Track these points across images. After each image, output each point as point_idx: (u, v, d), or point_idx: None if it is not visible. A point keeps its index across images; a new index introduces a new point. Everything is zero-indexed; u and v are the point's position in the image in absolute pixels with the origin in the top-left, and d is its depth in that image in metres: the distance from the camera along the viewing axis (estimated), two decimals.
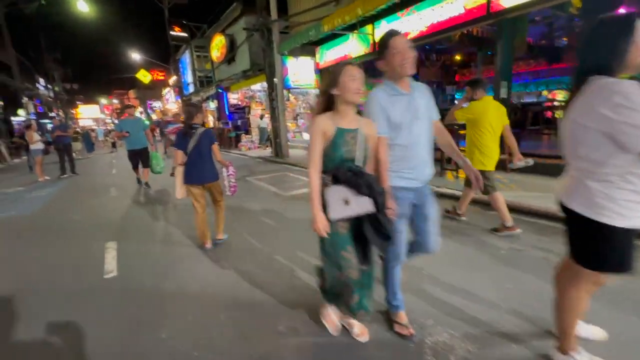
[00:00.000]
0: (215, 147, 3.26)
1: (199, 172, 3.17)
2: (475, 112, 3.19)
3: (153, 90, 43.28)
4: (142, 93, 48.77)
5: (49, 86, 39.66)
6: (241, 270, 2.87)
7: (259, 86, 14.86)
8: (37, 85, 32.77)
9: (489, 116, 3.14)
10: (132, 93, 54.62)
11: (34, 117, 28.16)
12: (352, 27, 8.16)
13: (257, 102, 15.26)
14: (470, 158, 3.15)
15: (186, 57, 20.89)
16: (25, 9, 17.39)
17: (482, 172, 2.94)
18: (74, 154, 10.07)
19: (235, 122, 17.02)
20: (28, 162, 10.52)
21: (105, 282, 2.84)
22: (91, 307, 2.45)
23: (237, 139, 14.85)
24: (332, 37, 9.42)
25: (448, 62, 12.96)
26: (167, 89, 31.70)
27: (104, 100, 56.61)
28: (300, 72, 10.78)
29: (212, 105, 19.94)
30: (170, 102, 30.60)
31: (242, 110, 17.47)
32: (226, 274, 2.84)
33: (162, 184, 7.06)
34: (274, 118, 10.71)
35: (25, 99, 22.86)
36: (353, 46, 9.17)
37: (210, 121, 21.58)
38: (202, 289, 2.60)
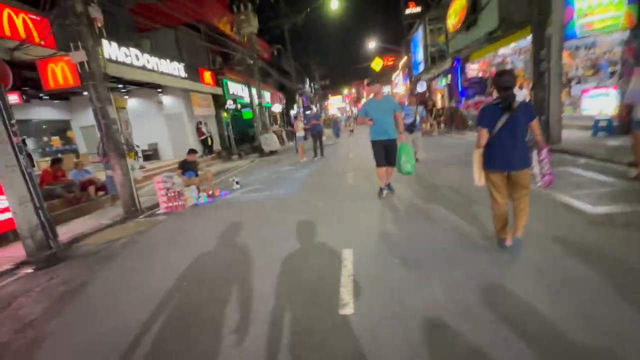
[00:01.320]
0: (536, 123, 2.57)
1: (507, 156, 2.60)
2: None
3: (383, 77, 46.56)
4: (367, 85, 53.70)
5: (311, 84, 51.36)
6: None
7: (510, 49, 11.55)
8: (305, 84, 43.01)
9: None
10: (366, 81, 61.92)
11: (301, 110, 37.31)
12: None
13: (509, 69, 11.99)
14: None
15: (418, 35, 19.95)
16: (298, 21, 22.16)
17: None
18: (324, 139, 11.71)
19: (471, 98, 14.43)
20: (295, 146, 13.36)
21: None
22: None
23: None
24: None
25: None
26: (396, 72, 32.52)
27: (345, 91, 67.18)
28: (598, 9, 6.87)
29: (442, 82, 18.11)
30: (398, 86, 31.30)
31: (479, 84, 14.58)
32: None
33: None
34: (540, 86, 7.65)
35: (297, 97, 30.20)
36: None
37: (439, 101, 19.88)
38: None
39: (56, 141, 13.32)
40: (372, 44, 24.79)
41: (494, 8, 11.50)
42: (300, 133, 11.05)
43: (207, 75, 14.61)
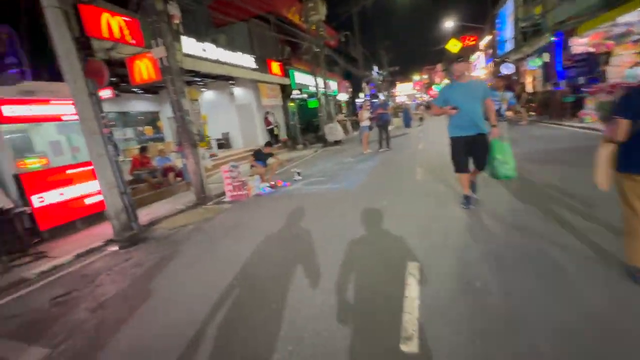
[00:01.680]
0: None
1: None
2: None
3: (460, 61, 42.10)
4: (449, 65, 49.24)
5: (379, 71, 49.45)
6: None
7: (636, 15, 9.11)
8: (373, 71, 41.58)
9: None
10: (439, 66, 56.95)
11: (368, 98, 36.18)
12: None
13: (631, 42, 9.55)
14: None
15: (507, 8, 17.30)
16: (368, 4, 21.12)
17: None
18: (389, 128, 10.99)
19: (574, 80, 11.94)
20: (359, 136, 12.87)
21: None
22: None
23: (577, 105, 10.31)
24: None
25: None
26: (476, 54, 29.09)
27: (416, 77, 63.19)
28: None
29: (535, 63, 15.42)
30: (477, 69, 28.02)
31: (587, 63, 11.93)
32: None
33: None
34: None
35: (363, 84, 29.29)
36: None
37: (529, 85, 17.10)
38: None
39: (149, 130, 15.13)
40: (449, 23, 22.38)
41: None
42: (365, 123, 10.51)
43: (275, 66, 14.90)
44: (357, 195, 5.43)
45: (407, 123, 17.81)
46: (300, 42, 15.52)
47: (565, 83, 12.13)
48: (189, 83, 13.06)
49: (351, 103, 28.03)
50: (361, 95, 29.85)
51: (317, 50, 14.96)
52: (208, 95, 14.31)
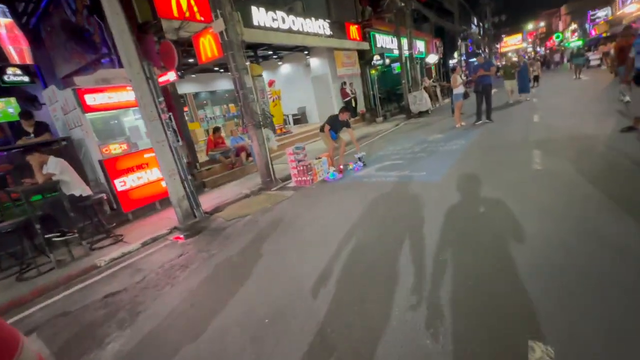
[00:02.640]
0: None
1: None
2: None
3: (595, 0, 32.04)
4: (580, 5, 38.16)
5: (480, 24, 41.98)
6: None
7: None
8: (471, 25, 35.41)
9: None
10: (564, 8, 44.82)
11: (465, 58, 31.09)
12: None
13: None
14: None
15: None
16: None
17: None
18: (493, 93, 8.70)
19: None
20: (451, 105, 10.79)
21: None
22: None
23: None
24: None
25: None
26: None
27: (530, 26, 51.79)
28: None
29: None
30: (629, 4, 20.74)
31: None
32: None
33: None
34: None
35: (459, 42, 25.03)
36: None
37: None
38: None
39: (233, 108, 15.82)
40: None
41: None
42: (458, 90, 8.55)
43: (353, 29, 13.43)
44: (443, 191, 4.15)
45: (524, 87, 11.06)
46: None
47: None
48: (265, 58, 12.91)
49: (443, 65, 24.39)
50: (455, 55, 25.67)
51: (402, 4, 12.81)
52: (284, 69, 13.91)
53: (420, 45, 19.44)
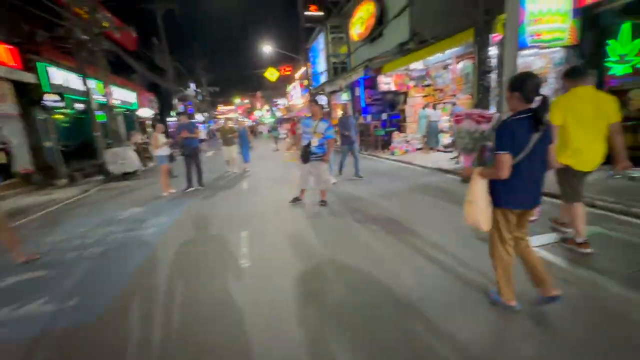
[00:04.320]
0: (553, 148, 2.18)
1: (535, 188, 2.02)
2: None
3: (277, 91, 44.37)
4: (269, 93, 51.24)
5: (197, 89, 45.23)
6: None
7: (420, 64, 10.51)
8: (190, 88, 37.04)
9: None
10: (259, 93, 58.63)
11: (182, 112, 31.42)
12: None
13: (424, 85, 10.92)
14: None
15: (319, 43, 18.31)
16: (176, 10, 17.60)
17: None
18: (203, 157, 7.94)
19: (377, 116, 13.04)
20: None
21: None
22: None
23: (388, 139, 10.95)
24: None
25: None
26: (293, 84, 30.78)
27: (237, 100, 62.52)
28: (546, 17, 5.72)
29: (344, 96, 16.71)
30: (295, 98, 29.51)
31: (380, 101, 13.37)
32: None
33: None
34: (484, 104, 6.20)
35: (175, 100, 24.72)
36: None
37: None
38: None
39: None
40: (267, 48, 21.93)
41: (405, 19, 10.34)
42: (161, 151, 7.03)
43: (1, 49, 8.87)
44: (100, 333, 2.17)
45: (246, 154, 9.86)
46: (59, 22, 10.09)
47: (371, 117, 13.09)
48: None
49: (160, 121, 22.83)
50: (173, 114, 25.04)
51: (86, 38, 10.07)
52: None
53: (130, 95, 16.83)
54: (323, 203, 5.22)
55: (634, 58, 6.02)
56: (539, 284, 2.15)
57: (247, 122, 52.59)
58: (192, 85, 41.62)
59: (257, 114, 58.62)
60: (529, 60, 6.76)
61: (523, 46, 5.57)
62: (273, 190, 6.80)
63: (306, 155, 4.87)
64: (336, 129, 7.07)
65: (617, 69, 6.02)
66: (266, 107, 55.46)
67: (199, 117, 38.23)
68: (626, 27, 5.88)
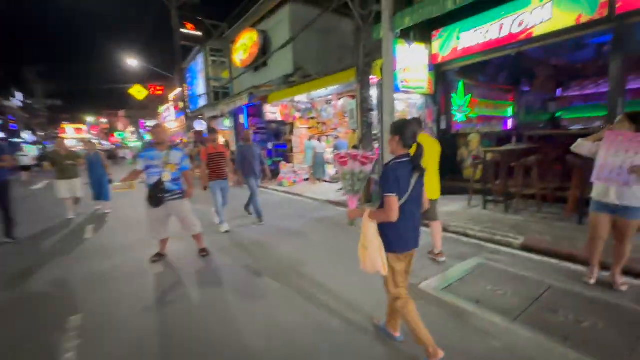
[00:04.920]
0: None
1: (417, 229, 2.08)
2: None
3: (146, 111, 38.93)
4: (134, 113, 44.35)
5: (28, 101, 35.19)
6: None
7: (304, 97, 10.80)
8: (12, 99, 28.33)
9: None
10: (123, 112, 50.06)
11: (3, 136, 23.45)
12: None
13: (309, 118, 11.10)
14: None
15: (197, 64, 16.94)
16: None
17: None
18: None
19: (262, 144, 12.62)
20: None
21: None
22: None
23: (275, 170, 10.57)
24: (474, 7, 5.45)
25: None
26: (166, 105, 27.54)
27: (91, 119, 51.79)
28: (412, 67, 6.65)
29: (226, 123, 15.72)
30: (169, 121, 26.32)
31: (265, 130, 13.11)
32: None
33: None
34: (367, 141, 6.55)
35: None
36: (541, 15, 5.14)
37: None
38: None
39: None
40: (133, 62, 18.86)
41: (289, 52, 10.56)
42: None
43: None
44: None
45: (100, 192, 7.20)
46: None
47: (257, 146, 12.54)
48: None
49: None
50: None
51: None
52: None
53: None
54: (204, 253, 4.18)
55: (468, 109, 7.60)
56: (390, 321, 2.27)
57: (105, 145, 43.67)
58: (19, 95, 32.15)
59: (119, 136, 49.81)
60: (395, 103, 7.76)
61: (397, 90, 6.17)
62: (126, 240, 5.22)
63: (158, 196, 3.72)
64: (232, 158, 6.23)
65: (458, 117, 7.47)
66: (131, 128, 47.80)
67: (26, 135, 29.42)
68: (461, 85, 7.42)
